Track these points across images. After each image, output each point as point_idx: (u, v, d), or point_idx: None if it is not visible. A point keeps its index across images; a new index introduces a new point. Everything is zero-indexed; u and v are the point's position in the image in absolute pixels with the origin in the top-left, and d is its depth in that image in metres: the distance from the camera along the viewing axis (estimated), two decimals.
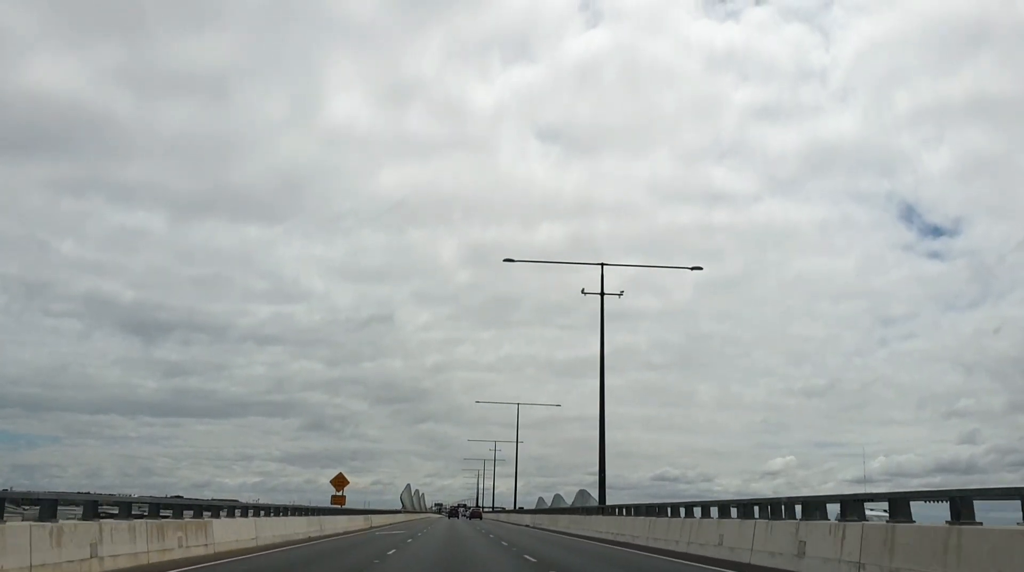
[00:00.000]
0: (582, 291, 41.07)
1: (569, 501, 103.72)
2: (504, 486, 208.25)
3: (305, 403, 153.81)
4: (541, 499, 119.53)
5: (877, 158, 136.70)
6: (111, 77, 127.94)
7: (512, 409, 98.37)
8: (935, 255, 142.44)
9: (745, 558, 17.95)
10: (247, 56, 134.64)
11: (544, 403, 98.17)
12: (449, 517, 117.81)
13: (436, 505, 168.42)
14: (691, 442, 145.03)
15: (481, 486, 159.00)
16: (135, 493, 31.89)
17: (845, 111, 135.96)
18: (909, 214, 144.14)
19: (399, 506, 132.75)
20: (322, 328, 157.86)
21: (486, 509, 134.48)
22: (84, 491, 21.68)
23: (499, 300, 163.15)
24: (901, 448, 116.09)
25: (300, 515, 32.56)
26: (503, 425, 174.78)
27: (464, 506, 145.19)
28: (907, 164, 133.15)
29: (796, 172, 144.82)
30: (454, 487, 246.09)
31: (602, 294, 39.91)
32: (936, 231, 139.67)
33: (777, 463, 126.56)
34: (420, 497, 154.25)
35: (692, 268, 42.34)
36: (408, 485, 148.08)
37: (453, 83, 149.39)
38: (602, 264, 40.25)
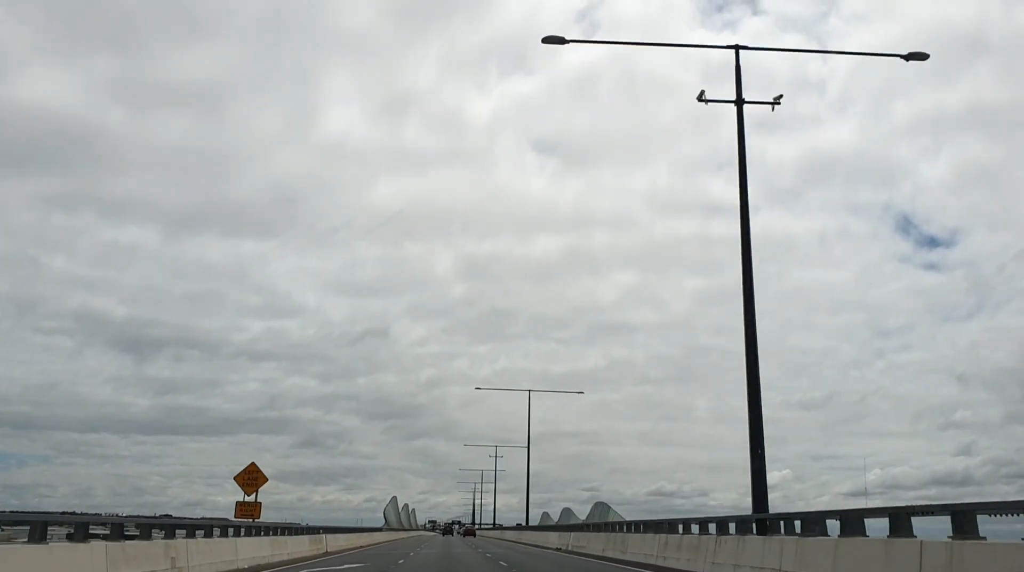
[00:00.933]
0: (699, 98, 24.51)
1: (582, 516, 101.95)
2: (499, 503, 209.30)
3: (298, 420, 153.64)
4: (546, 514, 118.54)
5: (875, 169, 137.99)
6: (104, 91, 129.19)
7: (507, 420, 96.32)
8: (932, 266, 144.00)
9: None
10: (241, 69, 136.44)
11: (561, 390, 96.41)
12: (443, 534, 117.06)
13: (430, 522, 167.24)
14: (687, 456, 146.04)
15: (478, 502, 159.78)
16: (124, 513, 31.27)
17: (843, 122, 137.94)
18: (906, 225, 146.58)
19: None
20: (316, 343, 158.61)
21: (485, 527, 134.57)
22: (70, 511, 20.76)
23: (495, 313, 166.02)
24: (897, 460, 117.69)
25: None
26: (498, 439, 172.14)
27: (459, 523, 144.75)
28: (905, 175, 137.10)
29: (794, 183, 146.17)
30: (448, 504, 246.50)
31: (739, 102, 24.95)
32: (933, 242, 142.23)
33: (773, 477, 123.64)
34: (411, 513, 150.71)
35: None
36: (395, 498, 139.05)
37: (450, 95, 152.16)
38: (736, 47, 24.67)
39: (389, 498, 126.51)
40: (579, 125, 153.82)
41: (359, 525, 77.47)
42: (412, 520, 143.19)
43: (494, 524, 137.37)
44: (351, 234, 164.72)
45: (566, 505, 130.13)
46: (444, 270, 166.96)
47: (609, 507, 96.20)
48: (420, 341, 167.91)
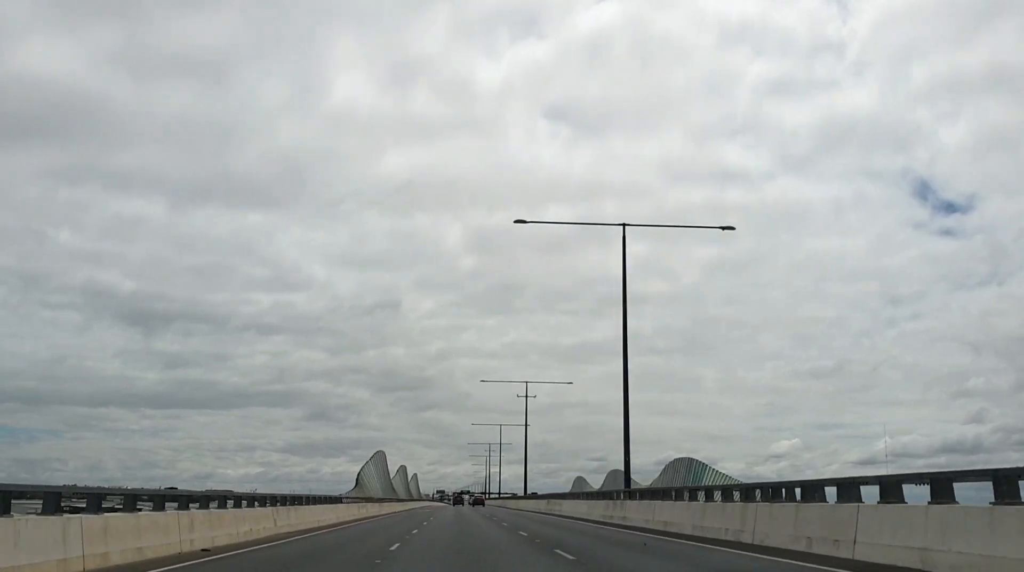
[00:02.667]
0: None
1: (596, 484, 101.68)
2: (507, 472, 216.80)
3: (307, 393, 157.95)
4: (581, 478, 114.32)
5: (892, 133, 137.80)
6: (107, 61, 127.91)
7: (516, 396, 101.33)
8: (947, 233, 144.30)
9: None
10: (247, 37, 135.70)
11: (554, 381, 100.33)
12: (454, 504, 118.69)
13: (438, 492, 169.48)
14: (695, 427, 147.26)
15: (488, 472, 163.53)
16: (132, 486, 30.60)
17: (861, 85, 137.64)
18: (923, 191, 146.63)
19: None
20: (324, 316, 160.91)
21: (492, 496, 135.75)
22: (82, 485, 21.27)
23: (504, 286, 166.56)
24: (907, 429, 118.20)
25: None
26: (506, 412, 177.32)
27: (469, 493, 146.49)
28: (922, 139, 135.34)
29: (810, 149, 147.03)
30: (457, 474, 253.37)
31: (624, 260, 37.76)
32: (949, 208, 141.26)
33: (782, 446, 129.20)
34: (411, 481, 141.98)
35: (723, 228, 40.18)
36: (381, 453, 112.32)
37: (459, 61, 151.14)
38: (624, 225, 37.47)
39: (372, 454, 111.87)
40: (591, 91, 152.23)
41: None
42: (408, 488, 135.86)
43: (499, 494, 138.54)
44: (359, 206, 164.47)
45: (579, 474, 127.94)
46: (453, 242, 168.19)
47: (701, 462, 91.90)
48: (429, 314, 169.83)
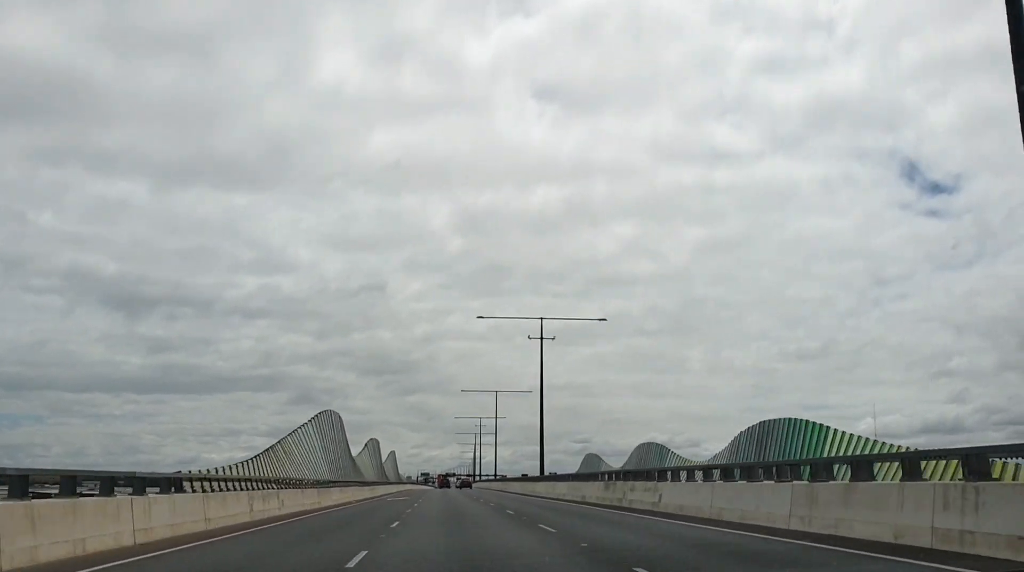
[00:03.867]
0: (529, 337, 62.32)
1: (573, 468, 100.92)
2: (491, 455, 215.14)
3: (293, 376, 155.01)
4: (593, 456, 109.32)
5: (881, 113, 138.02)
6: (90, 38, 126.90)
7: (501, 377, 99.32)
8: (933, 213, 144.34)
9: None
10: (233, 13, 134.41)
11: (520, 390, 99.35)
12: (439, 487, 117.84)
13: (423, 475, 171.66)
14: (681, 408, 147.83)
15: (477, 456, 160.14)
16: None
17: (851, 64, 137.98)
18: (911, 171, 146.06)
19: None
20: (311, 299, 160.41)
21: (486, 478, 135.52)
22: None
23: (492, 268, 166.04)
24: (890, 409, 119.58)
25: None
26: (491, 397, 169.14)
27: (455, 475, 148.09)
28: (911, 119, 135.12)
29: (799, 128, 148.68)
30: (442, 457, 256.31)
31: (541, 340, 59.90)
32: (936, 188, 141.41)
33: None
34: (386, 459, 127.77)
35: (599, 320, 62.04)
36: (331, 414, 77.28)
37: (448, 38, 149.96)
38: (541, 318, 60.06)
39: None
40: (582, 69, 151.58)
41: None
42: (382, 469, 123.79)
43: (480, 476, 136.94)
44: (346, 186, 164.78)
45: (555, 456, 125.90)
46: (441, 223, 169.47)
47: (600, 459, 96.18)
48: (416, 296, 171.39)
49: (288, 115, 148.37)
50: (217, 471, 31.16)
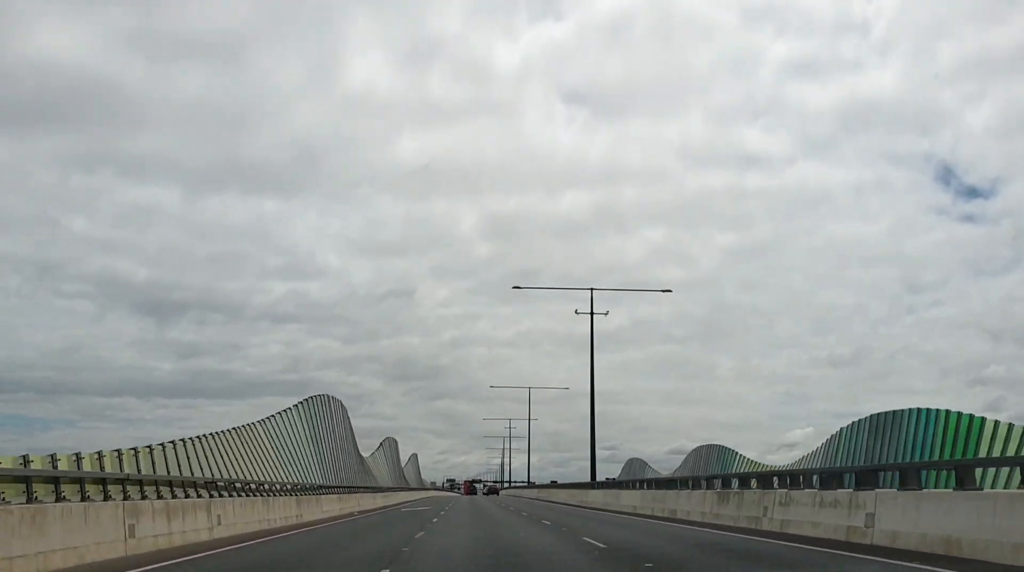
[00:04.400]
0: (576, 312, 48.95)
1: (607, 473, 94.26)
2: (518, 462, 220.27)
3: (320, 381, 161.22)
4: (637, 460, 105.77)
5: (916, 116, 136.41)
6: (120, 44, 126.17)
7: (529, 381, 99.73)
8: (969, 218, 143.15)
9: None
10: (263, 18, 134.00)
11: (554, 386, 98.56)
12: (466, 494, 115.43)
13: (448, 481, 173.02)
14: (709, 415, 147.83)
15: (503, 461, 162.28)
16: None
17: (885, 66, 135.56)
18: (946, 175, 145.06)
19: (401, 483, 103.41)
20: (338, 304, 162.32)
21: (518, 485, 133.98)
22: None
23: (520, 273, 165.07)
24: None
25: None
26: (518, 401, 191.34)
27: (481, 482, 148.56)
28: (947, 121, 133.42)
29: (832, 132, 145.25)
30: (468, 463, 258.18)
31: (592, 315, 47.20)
32: (972, 192, 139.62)
33: (796, 435, 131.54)
34: (407, 463, 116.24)
35: (663, 291, 49.19)
36: (327, 400, 59.00)
37: (477, 42, 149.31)
38: (592, 289, 45.90)
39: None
40: (611, 73, 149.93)
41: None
42: (401, 475, 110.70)
43: (510, 483, 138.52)
44: (374, 192, 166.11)
45: (582, 464, 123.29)
46: (469, 229, 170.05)
47: (645, 463, 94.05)
48: (444, 302, 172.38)
49: (317, 120, 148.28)
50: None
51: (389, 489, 66.56)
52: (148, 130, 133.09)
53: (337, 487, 43.93)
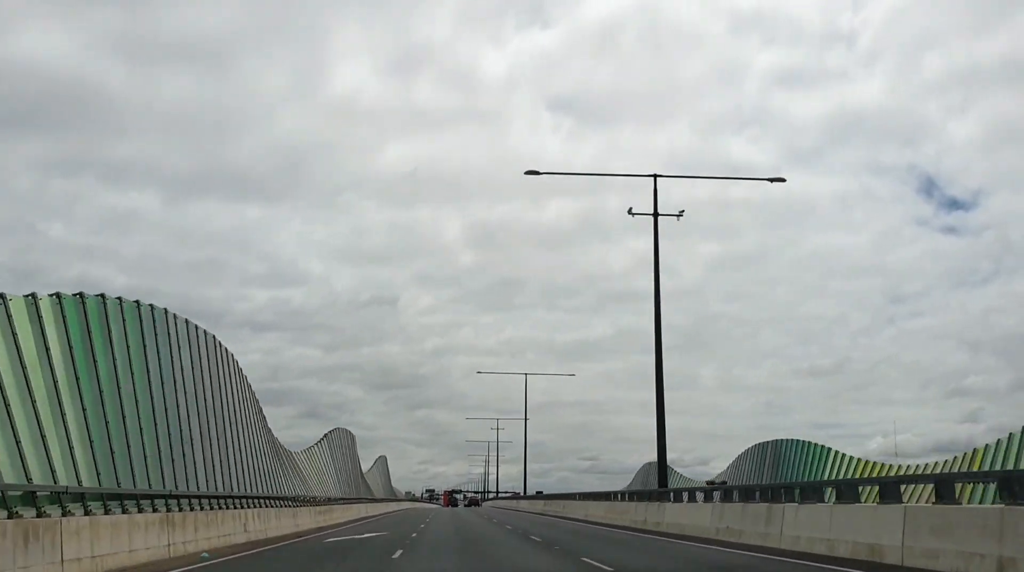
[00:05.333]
0: (629, 211, 34.64)
1: (588, 485, 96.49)
2: (500, 472, 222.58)
3: (300, 390, 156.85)
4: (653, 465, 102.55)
5: (901, 127, 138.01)
6: (103, 47, 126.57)
7: (511, 392, 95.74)
8: (951, 230, 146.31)
9: None
10: (249, 21, 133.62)
11: (554, 373, 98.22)
12: (446, 506, 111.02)
13: (427, 491, 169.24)
14: (691, 425, 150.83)
15: (481, 472, 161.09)
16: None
17: (871, 77, 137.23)
18: (929, 187, 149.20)
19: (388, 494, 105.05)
20: (321, 311, 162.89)
21: (487, 497, 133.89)
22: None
23: (503, 282, 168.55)
24: (902, 428, 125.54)
25: None
26: (501, 410, 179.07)
27: (460, 492, 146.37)
28: (931, 133, 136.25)
29: (817, 142, 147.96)
30: (448, 474, 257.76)
31: (655, 214, 34.16)
32: (953, 204, 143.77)
33: None
34: (371, 469, 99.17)
35: (772, 180, 35.62)
36: (343, 433, 63.50)
37: (464, 49, 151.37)
38: (655, 175, 34.70)
39: (391, 467, 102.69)
40: (598, 81, 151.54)
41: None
42: (384, 484, 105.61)
43: (497, 493, 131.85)
44: (359, 199, 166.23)
45: (562, 474, 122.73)
46: (453, 237, 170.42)
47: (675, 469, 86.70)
48: (427, 310, 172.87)
49: (302, 127, 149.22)
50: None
51: (327, 501, 43.78)
52: (130, 135, 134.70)
53: (332, 500, 45.79)
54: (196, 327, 26.59)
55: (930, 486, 21.72)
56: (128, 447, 19.44)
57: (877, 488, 16.47)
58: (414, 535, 28.69)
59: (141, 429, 20.39)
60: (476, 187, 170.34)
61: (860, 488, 17.59)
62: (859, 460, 48.70)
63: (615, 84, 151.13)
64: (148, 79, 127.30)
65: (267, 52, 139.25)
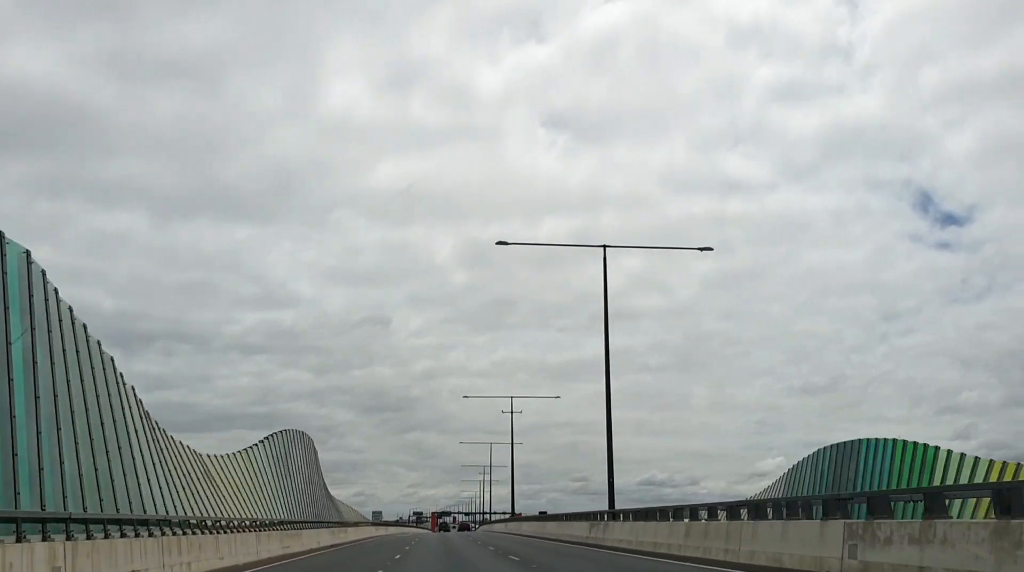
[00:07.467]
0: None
1: (577, 506, 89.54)
2: (492, 494, 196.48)
3: (289, 414, 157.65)
4: None
5: (898, 141, 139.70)
6: (93, 66, 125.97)
7: (502, 414, 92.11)
8: (945, 246, 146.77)
9: None
10: (241, 38, 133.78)
11: (542, 396, 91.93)
12: (435, 530, 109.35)
13: (415, 514, 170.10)
14: (682, 445, 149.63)
15: (473, 495, 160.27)
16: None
17: (868, 91, 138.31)
18: (925, 202, 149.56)
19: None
20: (311, 333, 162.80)
21: (480, 519, 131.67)
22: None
23: (496, 302, 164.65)
24: None
25: None
26: (492, 432, 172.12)
27: (450, 514, 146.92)
28: (927, 147, 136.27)
29: (814, 158, 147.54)
30: (437, 496, 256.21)
31: (605, 282, 38.32)
32: (948, 219, 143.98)
33: (768, 464, 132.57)
34: (303, 466, 52.21)
35: (702, 249, 39.43)
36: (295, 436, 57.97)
37: (460, 65, 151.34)
38: (604, 246, 38.37)
39: (380, 493, 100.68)
40: (594, 97, 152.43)
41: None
42: (318, 494, 70.18)
43: (490, 517, 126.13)
44: (351, 219, 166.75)
45: (552, 496, 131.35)
46: (446, 256, 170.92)
47: None
48: (418, 332, 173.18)
49: (293, 145, 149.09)
50: None
51: (240, 527, 27.84)
52: (118, 155, 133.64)
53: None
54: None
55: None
56: None
57: None
58: None
59: None
60: (470, 205, 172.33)
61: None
62: (977, 459, 41.43)
63: (611, 100, 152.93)
64: (138, 97, 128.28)
65: (259, 70, 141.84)
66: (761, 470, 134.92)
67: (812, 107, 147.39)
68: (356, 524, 66.39)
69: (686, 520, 25.75)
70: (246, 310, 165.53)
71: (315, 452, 58.55)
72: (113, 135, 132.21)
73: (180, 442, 32.12)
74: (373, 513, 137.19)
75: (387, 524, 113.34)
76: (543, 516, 70.83)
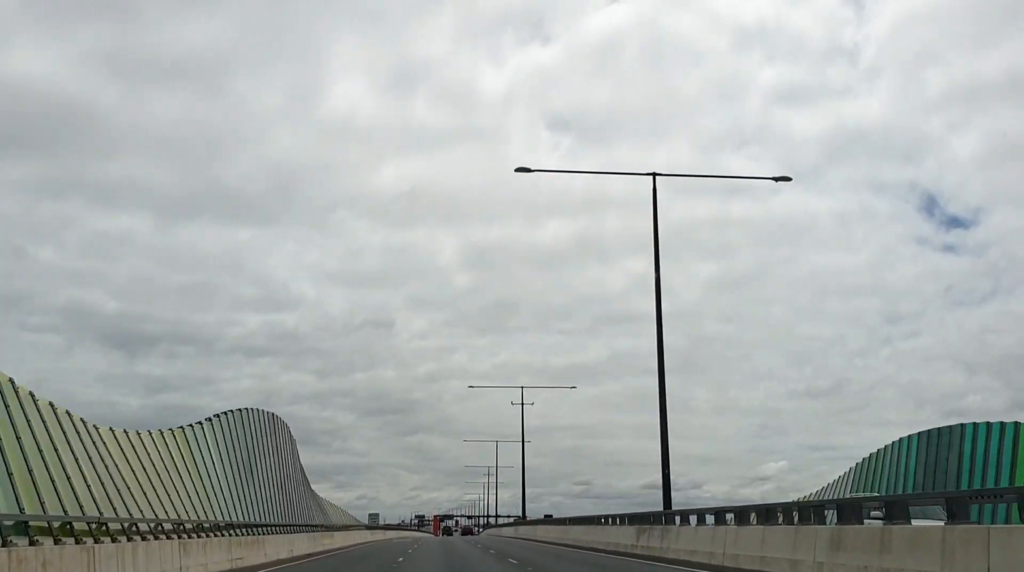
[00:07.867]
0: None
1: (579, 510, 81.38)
2: (492, 498, 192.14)
3: (292, 417, 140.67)
4: None
5: (902, 143, 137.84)
6: (94, 67, 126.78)
7: (505, 416, 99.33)
8: (950, 248, 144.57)
9: None
10: (244, 39, 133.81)
11: (556, 386, 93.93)
12: (437, 534, 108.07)
13: (416, 517, 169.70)
14: (684, 449, 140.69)
15: (476, 498, 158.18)
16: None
17: (873, 93, 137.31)
18: (930, 205, 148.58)
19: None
20: (313, 335, 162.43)
21: (489, 521, 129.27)
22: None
23: (498, 305, 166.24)
24: None
25: None
26: (495, 435, 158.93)
27: (452, 518, 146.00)
28: (932, 150, 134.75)
29: (817, 160, 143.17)
30: (440, 500, 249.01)
31: (655, 214, 33.77)
32: (953, 222, 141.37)
33: (770, 468, 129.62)
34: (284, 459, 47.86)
35: (777, 179, 34.38)
36: (257, 415, 48.02)
37: (463, 66, 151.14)
38: (654, 174, 33.96)
39: (383, 496, 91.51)
40: (597, 98, 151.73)
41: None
42: (299, 491, 55.57)
43: (496, 520, 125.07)
44: (353, 221, 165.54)
45: (555, 499, 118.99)
46: (448, 259, 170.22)
47: None
48: (420, 334, 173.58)
49: (296, 146, 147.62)
50: None
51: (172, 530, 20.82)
52: (120, 156, 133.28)
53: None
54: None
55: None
56: None
57: None
58: None
59: None
60: (472, 207, 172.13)
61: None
62: None
63: (615, 101, 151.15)
64: (139, 98, 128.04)
65: (261, 70, 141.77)
66: (764, 474, 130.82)
67: (816, 109, 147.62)
68: (345, 528, 56.43)
69: (831, 524, 17.80)
70: (248, 312, 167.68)
71: (292, 440, 48.03)
72: (114, 136, 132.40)
73: (51, 404, 23.98)
74: (370, 516, 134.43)
75: (385, 528, 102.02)
76: (558, 520, 62.13)
